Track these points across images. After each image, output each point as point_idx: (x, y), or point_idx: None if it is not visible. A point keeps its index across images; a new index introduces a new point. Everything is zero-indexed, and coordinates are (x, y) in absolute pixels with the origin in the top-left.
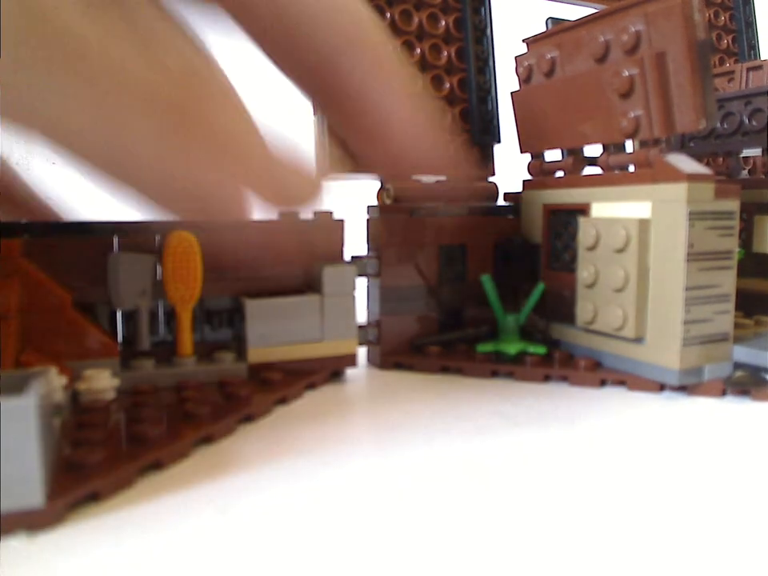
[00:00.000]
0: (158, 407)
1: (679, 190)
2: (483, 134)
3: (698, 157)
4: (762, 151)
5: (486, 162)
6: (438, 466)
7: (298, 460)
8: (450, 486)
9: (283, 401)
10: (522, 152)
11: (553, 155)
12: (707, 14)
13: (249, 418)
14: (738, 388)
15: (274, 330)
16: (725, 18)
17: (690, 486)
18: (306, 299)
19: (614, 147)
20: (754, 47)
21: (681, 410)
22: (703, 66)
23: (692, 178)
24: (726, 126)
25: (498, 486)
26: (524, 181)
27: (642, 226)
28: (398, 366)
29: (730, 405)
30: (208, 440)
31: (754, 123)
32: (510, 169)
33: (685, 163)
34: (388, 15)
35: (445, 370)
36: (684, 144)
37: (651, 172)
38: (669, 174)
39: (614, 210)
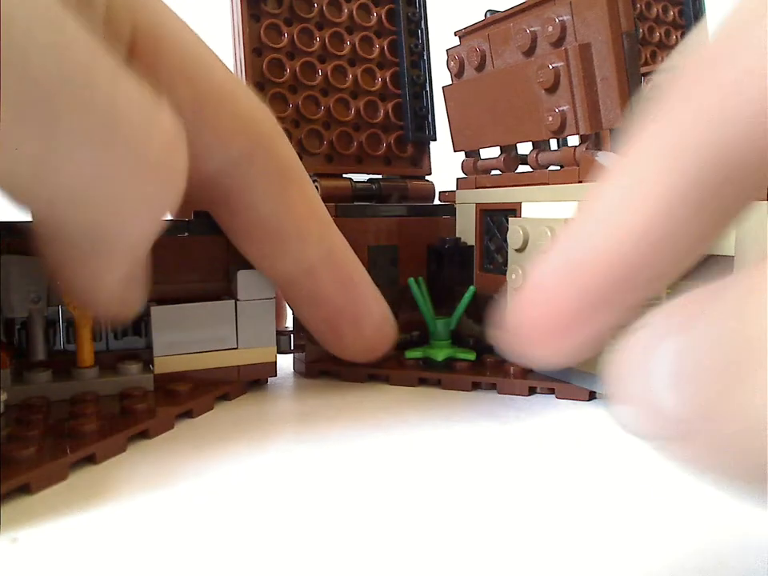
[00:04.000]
0: (37, 424)
1: None
2: (417, 131)
3: None
4: None
5: (422, 159)
6: (355, 486)
7: (186, 484)
8: (374, 510)
9: (189, 414)
10: (455, 150)
11: (489, 153)
12: (656, 9)
13: (144, 435)
14: None
15: (184, 338)
16: (674, 13)
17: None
18: (217, 305)
19: (543, 144)
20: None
21: (608, 419)
22: (629, 59)
23: None
24: None
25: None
26: (458, 179)
27: None
28: (325, 373)
29: None
30: (91, 460)
31: None
32: (449, 167)
33: (613, 161)
34: (316, 6)
35: (372, 377)
36: None
37: (578, 171)
38: (595, 172)
39: (543, 210)
